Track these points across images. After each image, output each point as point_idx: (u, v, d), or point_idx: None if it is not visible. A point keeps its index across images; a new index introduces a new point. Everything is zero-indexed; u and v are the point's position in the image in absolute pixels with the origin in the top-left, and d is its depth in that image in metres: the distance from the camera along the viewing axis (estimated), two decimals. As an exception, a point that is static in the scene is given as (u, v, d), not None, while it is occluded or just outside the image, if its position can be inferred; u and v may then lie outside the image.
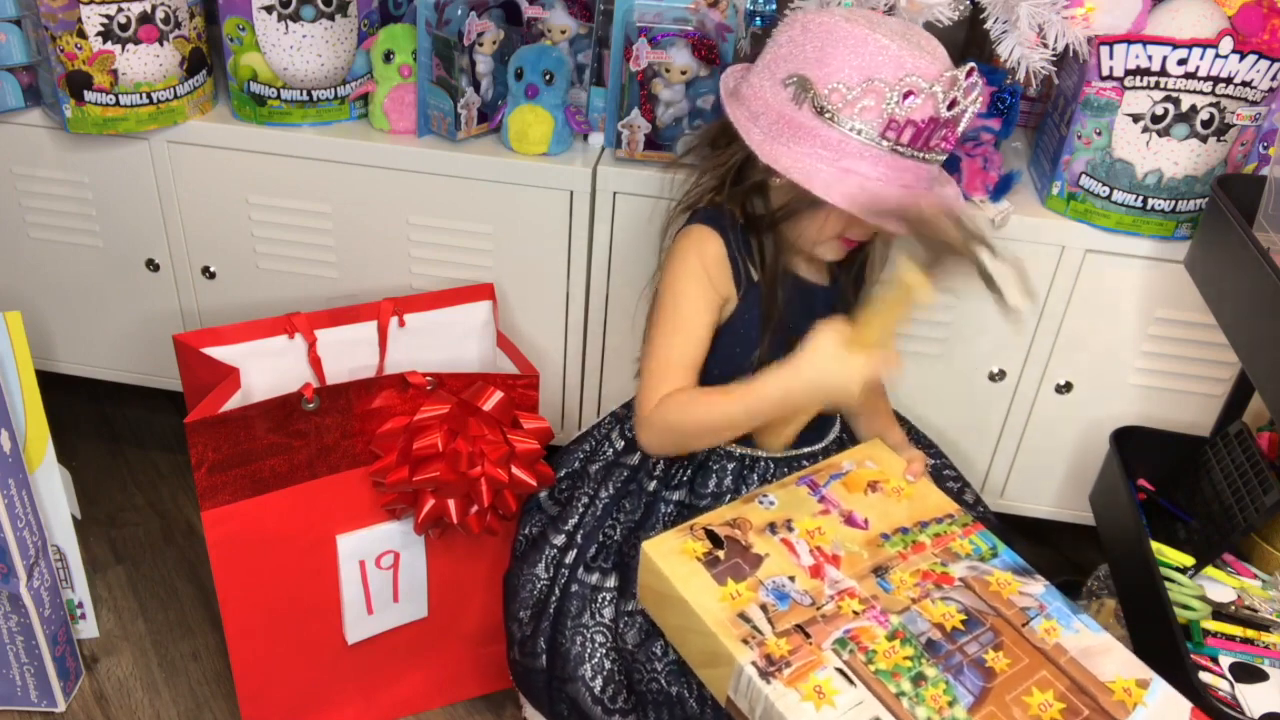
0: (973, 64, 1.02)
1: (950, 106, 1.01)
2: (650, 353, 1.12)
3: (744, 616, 0.99)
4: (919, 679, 0.95)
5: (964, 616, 1.02)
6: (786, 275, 1.14)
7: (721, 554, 1.06)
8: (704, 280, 1.11)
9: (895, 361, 0.99)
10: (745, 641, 0.97)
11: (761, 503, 1.13)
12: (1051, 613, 1.03)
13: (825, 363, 1.00)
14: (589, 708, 1.15)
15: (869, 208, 0.99)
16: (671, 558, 1.05)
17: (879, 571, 1.06)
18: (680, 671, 1.10)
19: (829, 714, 0.91)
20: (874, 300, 0.97)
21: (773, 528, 1.10)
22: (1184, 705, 0.96)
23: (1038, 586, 1.06)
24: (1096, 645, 1.00)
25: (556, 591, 1.20)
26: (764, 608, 1.01)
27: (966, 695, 0.94)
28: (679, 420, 1.09)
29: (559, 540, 1.22)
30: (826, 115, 1.00)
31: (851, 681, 0.94)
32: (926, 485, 1.18)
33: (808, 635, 0.98)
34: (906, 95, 0.99)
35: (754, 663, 0.95)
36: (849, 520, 1.12)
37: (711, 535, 1.08)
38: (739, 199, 1.13)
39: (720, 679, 1.00)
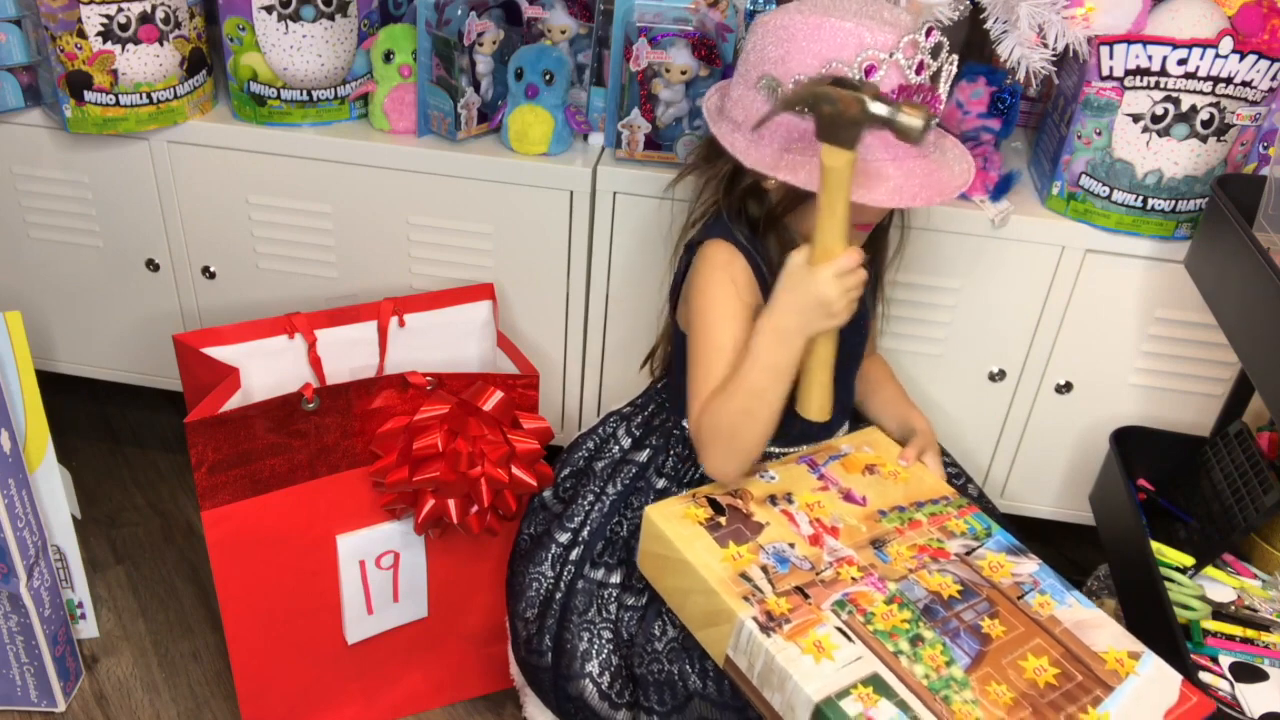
0: (930, 24, 1.03)
1: (918, 71, 1.01)
2: (691, 377, 1.12)
3: (745, 576, 1.01)
4: (917, 640, 0.97)
5: (960, 587, 1.04)
6: None
7: (723, 520, 1.08)
8: (733, 297, 1.11)
9: (857, 256, 1.00)
10: (746, 599, 0.99)
11: (762, 477, 1.15)
12: (1045, 588, 1.05)
13: (795, 281, 1.01)
14: (596, 704, 1.16)
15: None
16: (674, 521, 1.07)
17: (876, 544, 1.08)
18: (681, 649, 1.11)
19: (828, 667, 0.93)
20: (818, 208, 0.99)
21: (773, 499, 1.12)
22: (1174, 677, 0.97)
23: (1031, 564, 1.08)
24: (1089, 619, 1.02)
25: (562, 588, 1.20)
26: (764, 569, 1.03)
27: (963, 657, 0.96)
28: (717, 422, 1.07)
29: (564, 538, 1.22)
30: (798, 108, 1.01)
31: (850, 639, 0.96)
32: (922, 469, 1.20)
33: (807, 596, 1.00)
34: (869, 71, 1.00)
35: (754, 618, 0.97)
36: (847, 497, 1.14)
37: (713, 502, 1.10)
38: (737, 205, 1.14)
39: (720, 638, 1.01)
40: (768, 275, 1.12)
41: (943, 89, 1.06)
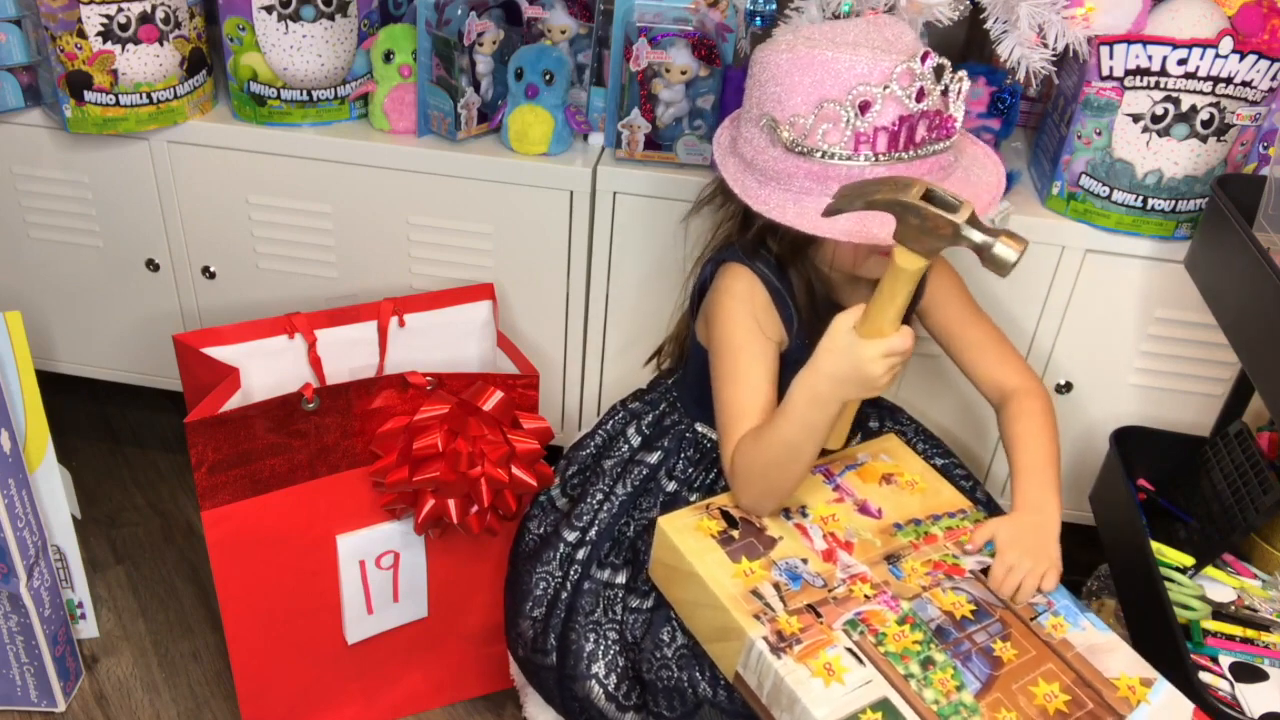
0: (927, 49, 0.99)
1: (918, 98, 0.98)
2: (718, 409, 1.12)
3: (756, 593, 1.01)
4: (927, 663, 0.96)
5: (973, 607, 1.03)
6: (831, 305, 1.12)
7: (736, 533, 1.07)
8: (755, 329, 1.10)
9: (909, 338, 0.95)
10: (757, 617, 0.98)
11: None
12: (1059, 610, 1.04)
13: (839, 353, 0.97)
14: (603, 705, 1.15)
15: (832, 208, 0.95)
16: (686, 533, 1.06)
17: (891, 559, 1.07)
18: (690, 655, 1.11)
19: (837, 691, 0.93)
20: (878, 287, 0.94)
21: (787, 513, 1.11)
22: (1186, 706, 0.96)
23: None
24: (1102, 643, 1.01)
25: (569, 588, 1.20)
26: (776, 586, 1.02)
27: (974, 681, 0.95)
28: (750, 467, 1.06)
29: (572, 537, 1.22)
30: (798, 149, 1.00)
31: (861, 661, 0.96)
32: (939, 480, 1.19)
33: (819, 615, 0.99)
34: (864, 107, 0.97)
35: (765, 638, 0.96)
36: (863, 509, 1.13)
37: (726, 515, 1.09)
38: (753, 243, 1.13)
39: (730, 654, 1.01)
40: (790, 305, 1.12)
41: (955, 108, 1.02)
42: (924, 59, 0.98)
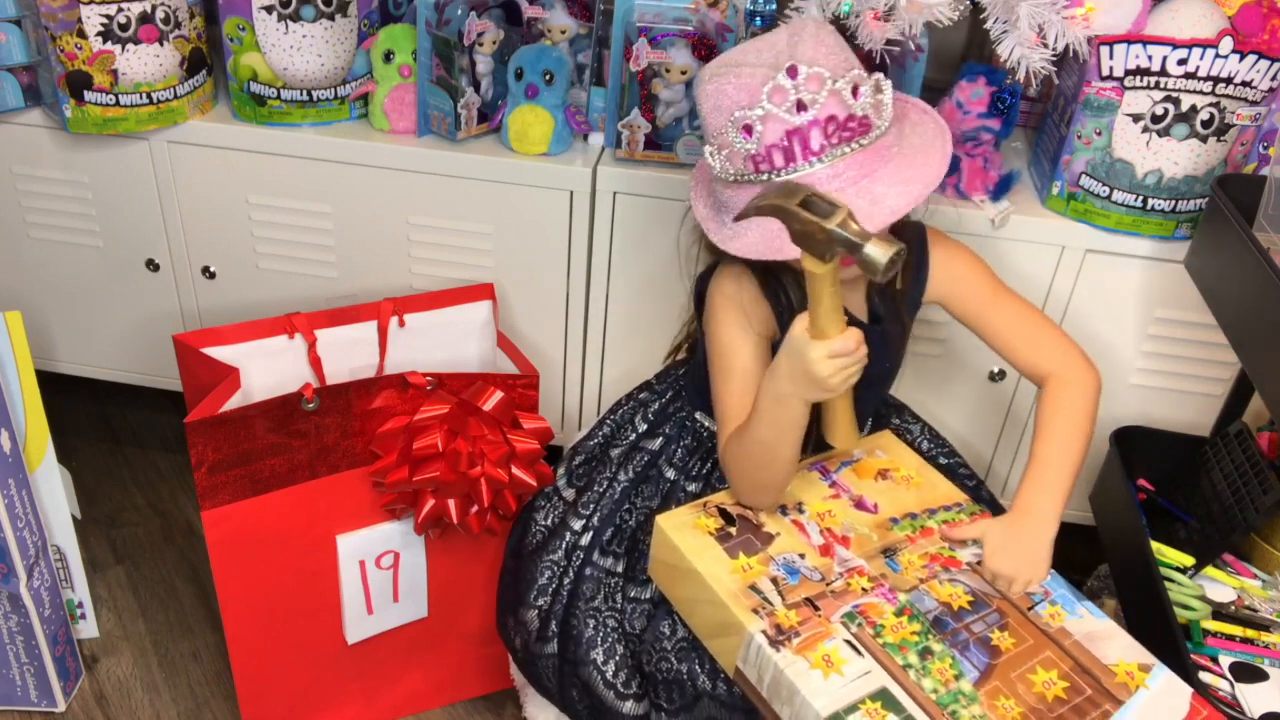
0: (791, 63, 0.97)
1: (799, 110, 0.97)
2: (714, 406, 1.13)
3: (754, 588, 1.01)
4: (926, 653, 0.97)
5: (971, 598, 1.03)
6: None
7: (733, 530, 1.08)
8: (745, 327, 1.11)
9: (851, 339, 0.95)
10: (755, 611, 0.99)
11: None
12: (1056, 598, 1.05)
13: (793, 350, 0.98)
14: (601, 692, 1.16)
15: (740, 213, 0.97)
16: (684, 531, 1.07)
17: (888, 553, 1.08)
18: (690, 649, 1.12)
19: (837, 682, 0.93)
20: (807, 293, 0.96)
21: (783, 509, 1.12)
22: (1185, 691, 0.97)
23: None
24: (1100, 630, 1.02)
25: (571, 574, 1.21)
26: (774, 581, 1.03)
27: (972, 670, 0.96)
28: (737, 464, 1.09)
29: (578, 525, 1.23)
30: (720, 175, 1.03)
31: (859, 652, 0.96)
32: (935, 474, 1.19)
33: (817, 608, 1.00)
34: (747, 130, 0.98)
35: (764, 631, 0.97)
36: (859, 504, 1.13)
37: (724, 513, 1.10)
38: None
39: (730, 649, 1.01)
40: (780, 298, 1.12)
41: (859, 106, 0.98)
42: (791, 73, 0.97)
